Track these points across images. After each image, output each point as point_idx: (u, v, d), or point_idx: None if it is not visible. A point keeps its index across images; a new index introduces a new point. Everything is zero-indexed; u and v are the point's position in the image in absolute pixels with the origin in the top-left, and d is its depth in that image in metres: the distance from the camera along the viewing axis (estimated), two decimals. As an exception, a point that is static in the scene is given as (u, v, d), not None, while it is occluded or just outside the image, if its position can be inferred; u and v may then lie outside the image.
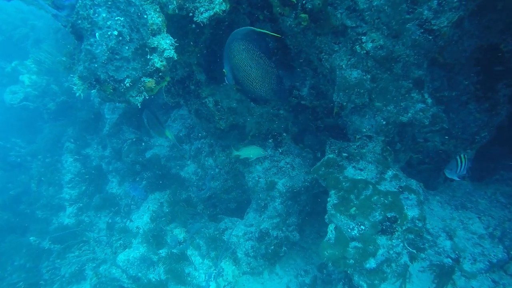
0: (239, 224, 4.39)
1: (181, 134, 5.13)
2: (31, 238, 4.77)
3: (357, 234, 2.78)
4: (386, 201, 2.81)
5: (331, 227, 3.02)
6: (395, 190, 2.90)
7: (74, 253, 4.50)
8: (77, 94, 2.24)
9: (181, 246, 4.03)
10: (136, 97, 2.47)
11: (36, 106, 6.82)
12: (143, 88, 2.44)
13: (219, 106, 3.85)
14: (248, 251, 4.02)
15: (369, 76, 2.90)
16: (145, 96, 2.53)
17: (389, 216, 2.75)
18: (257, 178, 4.20)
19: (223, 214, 5.03)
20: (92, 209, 5.64)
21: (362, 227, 2.78)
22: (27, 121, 7.33)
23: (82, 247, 4.48)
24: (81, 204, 6.14)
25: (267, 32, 2.65)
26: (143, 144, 5.48)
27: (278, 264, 4.24)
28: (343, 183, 3.14)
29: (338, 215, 2.99)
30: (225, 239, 4.17)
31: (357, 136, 3.38)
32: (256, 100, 3.81)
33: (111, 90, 2.26)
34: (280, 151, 4.35)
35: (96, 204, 5.22)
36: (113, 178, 6.13)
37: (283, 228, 4.04)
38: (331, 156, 3.40)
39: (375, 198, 2.85)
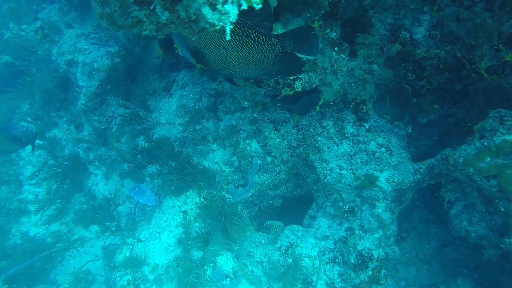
0: (306, 236, 2.99)
1: (201, 105, 3.49)
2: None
3: None
4: None
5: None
6: None
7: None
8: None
9: (231, 282, 2.58)
10: (226, 6, 0.87)
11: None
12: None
13: (295, 57, 2.27)
14: (334, 281, 2.66)
15: None
16: (240, 7, 0.94)
17: None
18: (338, 170, 2.76)
19: (266, 216, 3.61)
20: (71, 219, 3.98)
21: None
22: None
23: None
24: (53, 207, 4.43)
25: None
26: (142, 122, 3.79)
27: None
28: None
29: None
30: (290, 263, 2.77)
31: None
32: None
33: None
34: (367, 127, 2.90)
35: (79, 215, 3.55)
36: (96, 170, 4.43)
37: (383, 244, 2.70)
38: (509, 137, 2.01)
39: None
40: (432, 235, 3.48)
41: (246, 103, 2.97)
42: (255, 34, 1.56)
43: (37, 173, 4.67)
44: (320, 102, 2.86)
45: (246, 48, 1.59)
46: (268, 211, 3.68)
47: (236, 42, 1.56)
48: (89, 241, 4.24)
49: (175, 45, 1.77)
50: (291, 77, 2.32)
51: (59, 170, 4.37)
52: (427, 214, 3.57)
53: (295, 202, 3.71)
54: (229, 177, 3.27)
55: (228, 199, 3.16)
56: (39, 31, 4.12)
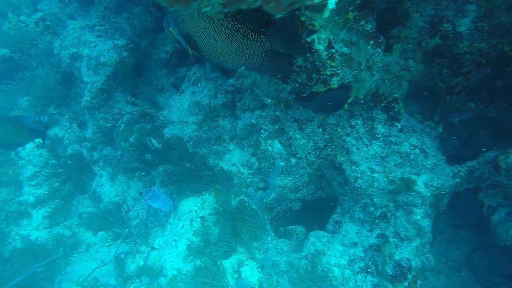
0: (332, 243, 2.80)
1: (216, 103, 3.27)
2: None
3: None
4: None
5: None
6: None
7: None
8: None
9: (257, 295, 2.39)
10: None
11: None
12: None
13: (333, 50, 2.06)
14: (367, 293, 2.48)
15: None
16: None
17: None
18: (369, 173, 2.57)
19: (284, 220, 3.42)
20: (75, 223, 3.76)
21: None
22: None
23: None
24: (55, 210, 4.20)
25: None
26: (152, 120, 3.56)
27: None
28: None
29: None
30: (317, 272, 2.58)
31: None
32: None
33: None
34: (399, 127, 2.71)
35: (85, 220, 3.32)
36: (101, 171, 4.19)
37: (419, 253, 2.51)
38: None
39: None
40: (460, 240, 3.31)
41: (269, 100, 2.75)
42: (245, 29, 1.51)
43: (37, 174, 4.43)
44: (349, 100, 2.65)
45: (236, 42, 1.54)
46: (286, 214, 3.49)
47: (225, 35, 1.52)
48: (93, 246, 4.02)
49: (170, 29, 1.72)
50: (327, 72, 2.11)
51: (61, 170, 4.13)
52: (453, 217, 3.40)
53: (315, 205, 3.52)
54: (248, 180, 3.06)
55: (247, 203, 2.96)
56: (39, 23, 3.85)
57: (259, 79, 2.57)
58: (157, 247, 2.77)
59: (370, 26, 2.30)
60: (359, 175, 2.60)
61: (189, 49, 1.72)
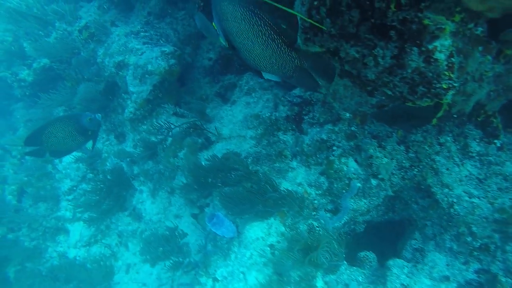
0: (417, 275, 2.46)
1: (278, 115, 2.97)
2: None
3: None
4: None
5: None
6: None
7: None
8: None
9: None
10: None
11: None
12: None
13: (454, 60, 1.75)
14: None
15: None
16: None
17: None
18: (468, 199, 2.23)
19: (345, 244, 3.10)
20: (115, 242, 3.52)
21: None
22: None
23: None
24: (93, 228, 3.99)
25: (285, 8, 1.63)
26: (203, 133, 3.29)
27: None
28: None
29: None
30: (407, 311, 2.25)
31: None
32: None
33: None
34: (498, 144, 2.37)
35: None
36: (141, 186, 3.95)
37: (532, 292, 2.16)
38: None
39: None
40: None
41: (348, 114, 2.45)
42: (280, 41, 1.63)
43: (75, 188, 4.22)
44: (439, 114, 2.33)
45: (270, 50, 1.67)
46: (347, 237, 3.17)
47: (262, 41, 1.64)
48: (133, 266, 3.79)
49: (213, 23, 1.84)
50: (443, 85, 1.80)
51: (101, 185, 3.91)
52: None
53: (380, 227, 3.20)
54: (316, 201, 2.75)
55: (318, 228, 2.65)
56: (83, 31, 3.65)
57: (342, 91, 2.27)
58: (220, 279, 2.48)
59: (480, 29, 1.98)
60: (455, 200, 2.27)
61: (227, 45, 1.82)
